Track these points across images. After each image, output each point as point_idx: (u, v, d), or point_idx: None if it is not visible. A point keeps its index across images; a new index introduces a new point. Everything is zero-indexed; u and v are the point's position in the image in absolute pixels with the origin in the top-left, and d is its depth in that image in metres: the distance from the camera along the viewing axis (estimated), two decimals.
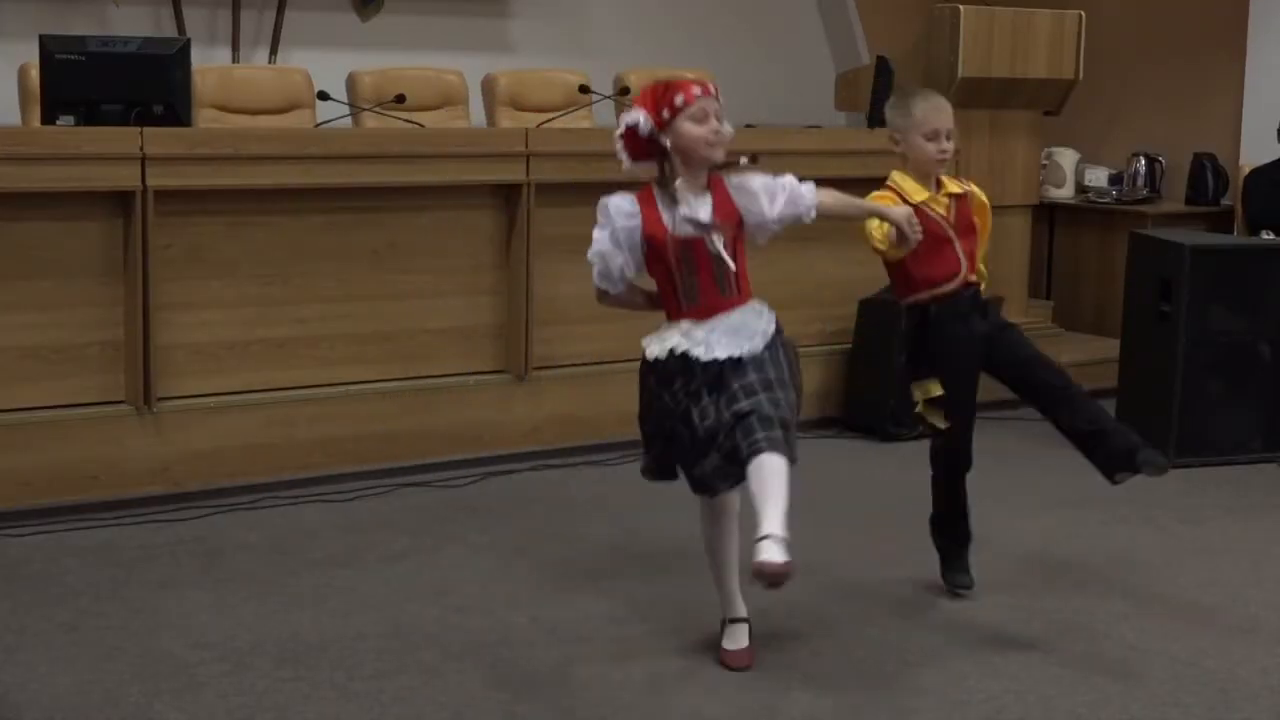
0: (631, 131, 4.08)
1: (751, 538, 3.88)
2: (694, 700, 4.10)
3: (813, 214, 4.21)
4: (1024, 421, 7.39)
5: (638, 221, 4.08)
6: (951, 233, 4.62)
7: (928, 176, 4.65)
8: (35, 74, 6.25)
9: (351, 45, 8.23)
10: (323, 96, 6.94)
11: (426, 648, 4.42)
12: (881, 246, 4.48)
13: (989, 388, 6.67)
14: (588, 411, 6.63)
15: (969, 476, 4.84)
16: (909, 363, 4.75)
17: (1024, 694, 4.18)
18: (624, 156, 4.14)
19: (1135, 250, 7.08)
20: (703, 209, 4.08)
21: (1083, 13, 7.90)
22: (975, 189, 4.79)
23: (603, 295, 4.22)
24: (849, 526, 5.65)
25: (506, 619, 4.66)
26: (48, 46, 5.89)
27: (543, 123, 7.07)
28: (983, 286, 4.76)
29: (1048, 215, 9.09)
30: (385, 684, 4.16)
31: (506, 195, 6.46)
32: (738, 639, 4.33)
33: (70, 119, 5.83)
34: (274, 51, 8.13)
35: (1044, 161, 8.84)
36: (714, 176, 4.13)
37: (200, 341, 5.93)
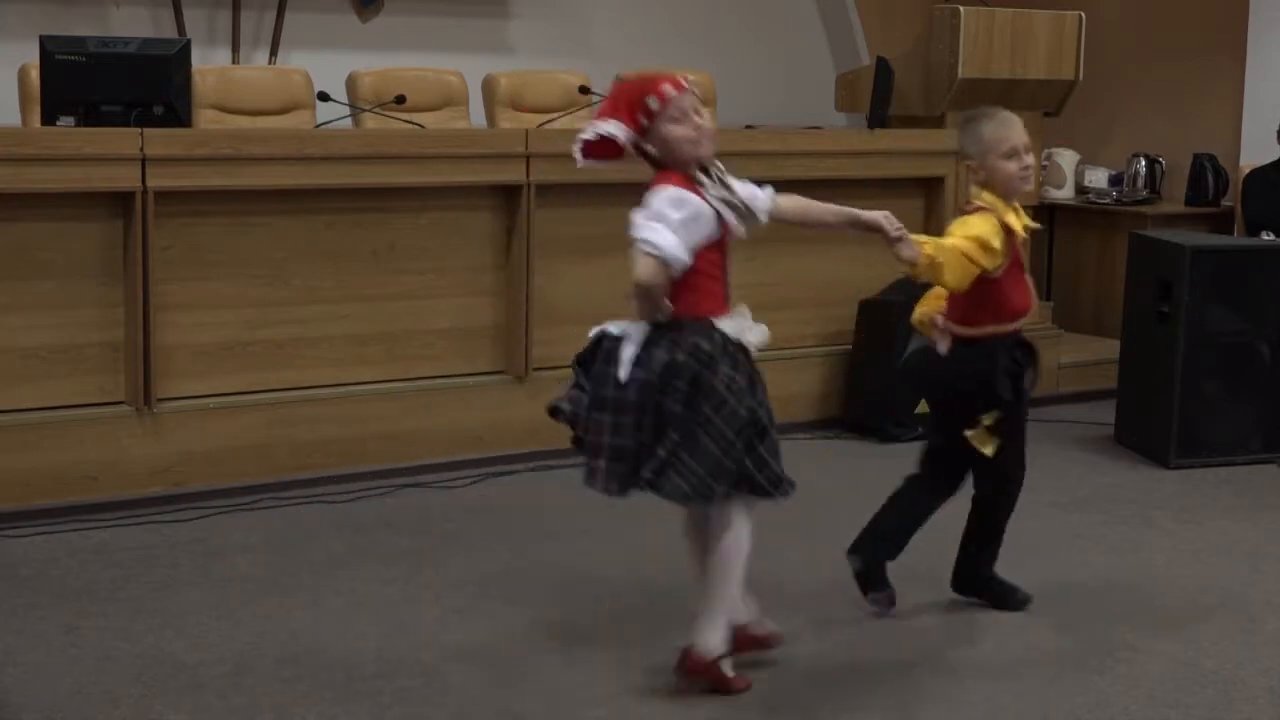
0: (607, 141, 3.94)
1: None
2: (693, 700, 4.10)
3: (764, 218, 4.06)
4: (1027, 422, 7.42)
5: (707, 211, 3.91)
6: (1026, 264, 4.54)
7: (1010, 200, 4.46)
8: (35, 75, 6.25)
9: (351, 46, 8.23)
10: (323, 97, 6.94)
11: (426, 648, 4.42)
12: (912, 271, 4.29)
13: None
14: None
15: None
16: (978, 396, 4.53)
17: (1024, 694, 4.18)
18: (579, 156, 4.01)
19: (1135, 251, 7.08)
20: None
21: (1082, 13, 7.91)
22: None
23: (651, 290, 3.91)
24: (848, 527, 5.64)
25: (506, 619, 4.66)
26: (48, 47, 5.89)
27: (543, 123, 7.07)
28: None
29: (1048, 216, 9.09)
30: (384, 684, 4.16)
31: (507, 196, 6.46)
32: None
33: (70, 120, 5.84)
34: (274, 52, 8.13)
35: (1044, 162, 8.85)
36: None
37: (200, 342, 5.93)
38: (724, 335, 3.94)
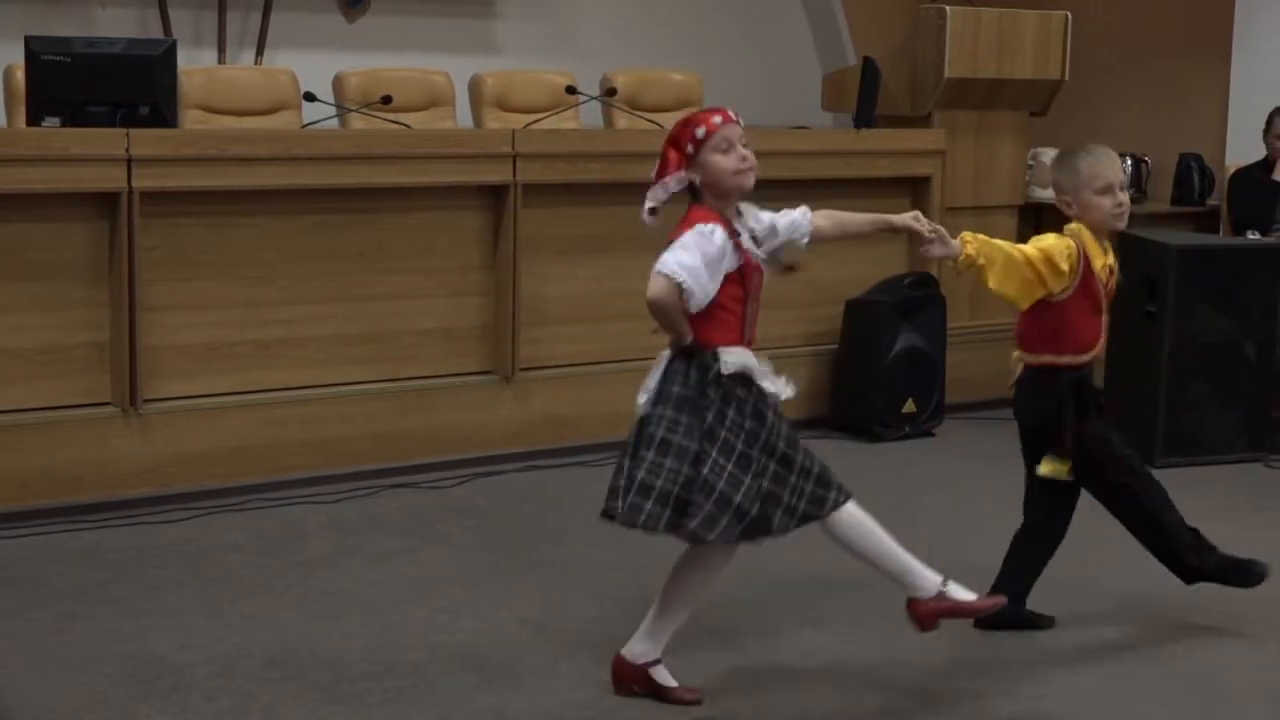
0: (666, 196, 3.95)
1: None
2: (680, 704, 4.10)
3: (806, 239, 4.11)
4: (1013, 422, 7.42)
5: (730, 245, 3.88)
6: (1104, 303, 4.47)
7: (1102, 235, 4.46)
8: (21, 75, 6.24)
9: (337, 46, 8.22)
10: (309, 97, 6.93)
11: (414, 649, 4.42)
12: (955, 268, 4.33)
13: (972, 388, 6.70)
14: (574, 412, 6.64)
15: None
16: (1046, 431, 4.50)
17: (1015, 694, 4.19)
18: (648, 219, 3.95)
19: (1121, 250, 7.06)
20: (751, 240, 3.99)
21: (1069, 13, 7.92)
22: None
23: (666, 308, 3.84)
24: None
25: (494, 619, 4.66)
26: (33, 48, 5.88)
27: (530, 123, 7.07)
28: None
29: (1033, 215, 9.09)
30: (372, 685, 4.16)
31: (493, 196, 6.46)
32: None
33: (56, 120, 5.82)
34: (260, 52, 8.12)
35: (1030, 162, 8.84)
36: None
37: (187, 343, 5.92)
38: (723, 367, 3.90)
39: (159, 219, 5.79)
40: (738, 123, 3.97)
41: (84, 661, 4.28)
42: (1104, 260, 4.47)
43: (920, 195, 7.43)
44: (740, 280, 3.92)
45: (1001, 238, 4.60)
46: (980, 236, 4.32)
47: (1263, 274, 6.76)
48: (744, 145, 3.94)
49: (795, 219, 4.10)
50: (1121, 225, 4.48)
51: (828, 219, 4.18)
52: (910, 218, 4.22)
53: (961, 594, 4.03)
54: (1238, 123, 8.65)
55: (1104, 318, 4.49)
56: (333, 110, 7.14)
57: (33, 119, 5.87)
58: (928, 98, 7.61)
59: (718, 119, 3.93)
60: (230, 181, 5.88)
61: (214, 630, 4.53)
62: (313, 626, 4.59)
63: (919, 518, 5.66)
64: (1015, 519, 5.83)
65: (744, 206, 4.02)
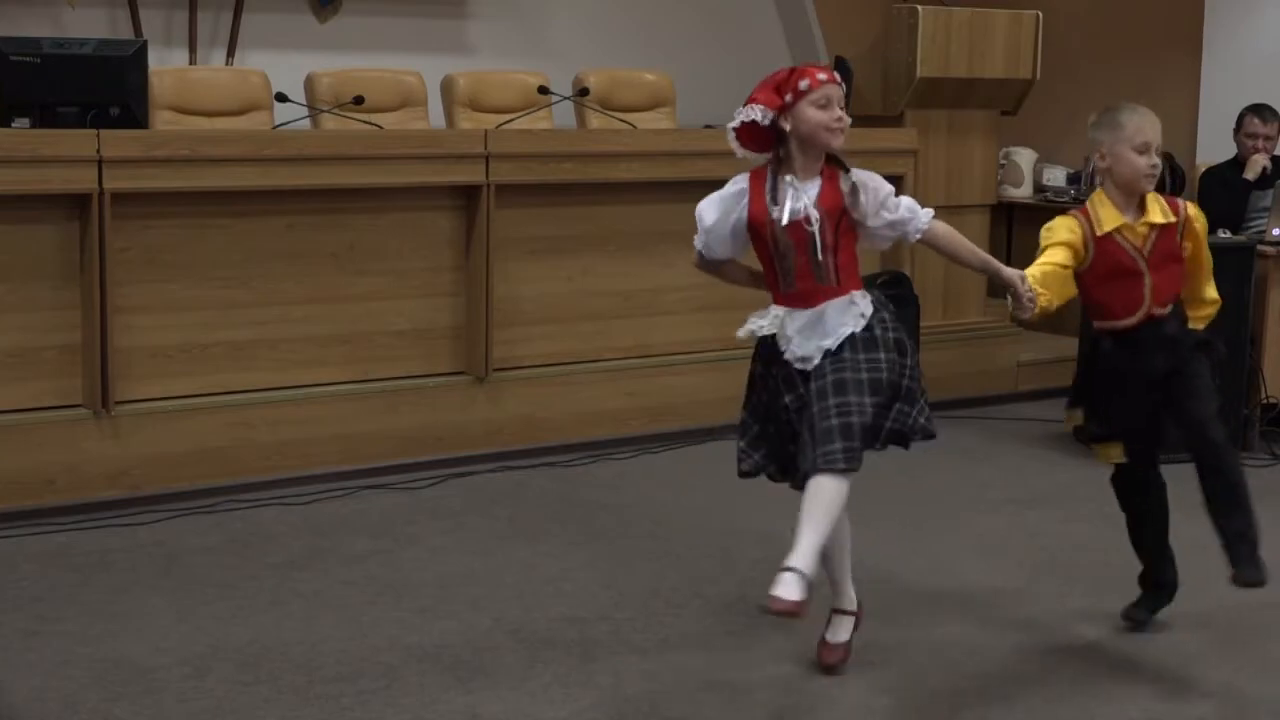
0: (749, 126, 4.06)
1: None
2: (655, 701, 4.10)
3: (917, 236, 4.16)
4: (986, 420, 7.46)
5: (745, 199, 4.06)
6: (1142, 265, 4.41)
7: (1132, 195, 4.43)
8: None
9: (309, 46, 8.20)
10: (280, 98, 6.91)
11: (388, 650, 4.41)
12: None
13: (946, 386, 6.68)
14: (548, 412, 6.64)
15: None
16: (1074, 389, 4.67)
17: (982, 689, 4.20)
18: (737, 147, 4.11)
19: None
20: (808, 193, 4.04)
21: (1040, 13, 7.94)
22: (1193, 212, 4.55)
23: (701, 261, 4.24)
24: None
25: (468, 620, 4.66)
26: (2, 48, 5.85)
27: (502, 124, 7.06)
28: (1205, 315, 4.72)
29: (1006, 214, 9.13)
30: (346, 687, 4.15)
31: (466, 196, 6.45)
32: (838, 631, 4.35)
33: (25, 121, 5.80)
34: (231, 53, 8.10)
35: (1002, 161, 8.88)
36: (826, 167, 4.08)
37: (159, 344, 5.90)
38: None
39: (130, 220, 5.77)
40: (840, 86, 4.07)
41: (55, 665, 4.26)
42: (1122, 220, 4.39)
43: None
44: (760, 236, 4.06)
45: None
46: (1036, 275, 4.32)
47: (1234, 272, 6.77)
48: (841, 108, 4.05)
49: (915, 212, 4.15)
50: (1150, 188, 4.45)
51: (945, 232, 4.24)
52: (1018, 278, 4.25)
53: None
54: (1208, 122, 8.69)
55: (1149, 279, 4.42)
56: (304, 111, 7.13)
57: (2, 120, 5.85)
58: (900, 97, 7.63)
59: (823, 76, 4.04)
60: (202, 183, 5.87)
61: (186, 633, 4.52)
62: (286, 628, 4.57)
63: (892, 516, 5.67)
64: (986, 517, 5.86)
65: (859, 173, 4.08)
